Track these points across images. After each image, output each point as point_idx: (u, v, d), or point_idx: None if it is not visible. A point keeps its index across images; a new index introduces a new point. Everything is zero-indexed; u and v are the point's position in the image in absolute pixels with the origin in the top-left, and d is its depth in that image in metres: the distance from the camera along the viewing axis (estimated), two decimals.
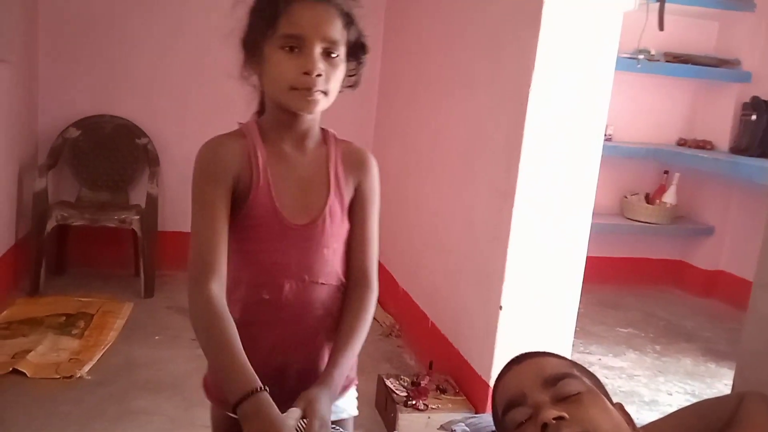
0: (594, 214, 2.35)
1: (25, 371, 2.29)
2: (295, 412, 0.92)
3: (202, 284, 0.99)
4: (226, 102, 3.44)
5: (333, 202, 1.09)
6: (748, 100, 3.62)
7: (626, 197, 3.89)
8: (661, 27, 3.35)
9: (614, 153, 3.45)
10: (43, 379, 2.28)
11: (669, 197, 3.81)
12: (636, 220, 3.79)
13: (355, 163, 1.13)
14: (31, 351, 2.42)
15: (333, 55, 1.02)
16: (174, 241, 3.44)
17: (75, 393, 2.23)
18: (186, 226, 3.64)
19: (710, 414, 0.99)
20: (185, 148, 3.45)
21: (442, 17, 2.80)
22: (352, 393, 1.22)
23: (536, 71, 2.11)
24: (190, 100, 3.44)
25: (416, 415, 2.07)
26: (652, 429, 0.96)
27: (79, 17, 3.27)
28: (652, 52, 3.63)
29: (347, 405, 1.20)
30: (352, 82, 1.11)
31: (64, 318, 2.76)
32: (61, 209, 3.00)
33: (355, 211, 1.13)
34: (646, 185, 3.95)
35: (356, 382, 1.22)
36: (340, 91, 1.07)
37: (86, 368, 2.37)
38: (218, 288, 1.00)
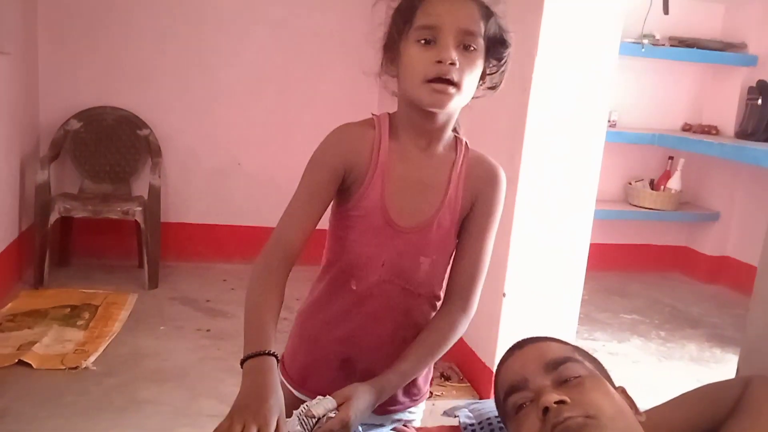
0: (598, 201, 2.34)
1: (30, 362, 2.30)
2: (327, 402, 0.91)
3: (268, 255, 0.99)
4: (228, 92, 3.46)
5: (444, 211, 1.06)
6: (754, 84, 3.59)
7: (630, 183, 3.87)
8: (665, 11, 3.32)
9: (618, 139, 3.42)
10: (49, 371, 2.29)
11: (674, 183, 3.79)
12: (640, 207, 3.77)
13: (481, 176, 1.08)
14: (36, 343, 2.43)
15: (470, 48, 0.97)
16: (177, 232, 3.45)
17: (81, 384, 2.23)
18: (188, 217, 3.66)
19: (715, 398, 0.98)
20: (187, 139, 3.48)
21: None
22: (421, 407, 1.20)
23: (539, 57, 2.10)
24: (192, 90, 3.43)
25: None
26: (655, 413, 0.96)
27: (79, 8, 3.26)
28: (657, 37, 3.60)
29: (414, 419, 1.19)
30: (492, 83, 1.05)
31: (68, 310, 2.77)
32: (64, 201, 3.00)
33: (470, 226, 1.08)
34: (651, 171, 3.93)
35: (427, 396, 1.20)
36: (476, 96, 1.03)
37: (91, 359, 2.38)
38: (282, 264, 0.98)
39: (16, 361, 2.31)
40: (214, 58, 3.42)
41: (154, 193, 3.15)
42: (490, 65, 1.03)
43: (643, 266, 3.97)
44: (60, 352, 2.42)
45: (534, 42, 2.09)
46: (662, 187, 3.81)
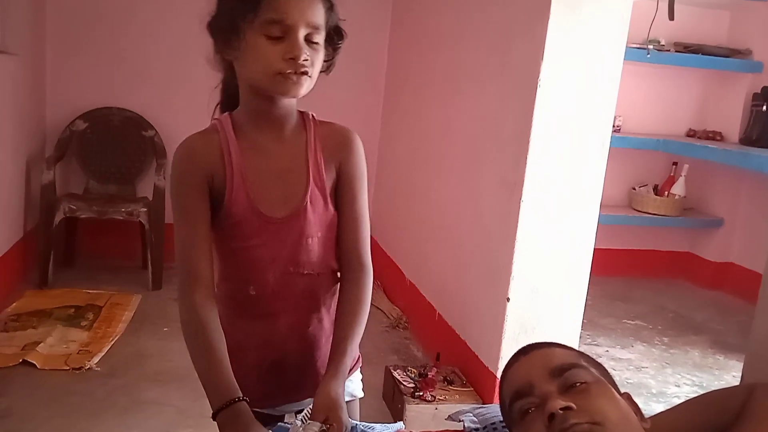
0: (602, 206, 2.33)
1: (34, 362, 2.31)
2: (313, 425, 0.91)
3: (187, 294, 1.00)
4: None
5: (313, 190, 1.07)
6: (759, 90, 3.59)
7: (634, 189, 3.87)
8: (671, 17, 3.31)
9: (623, 144, 3.43)
10: (53, 371, 2.30)
11: (678, 189, 3.79)
12: (644, 212, 3.77)
13: (337, 145, 1.10)
14: (40, 343, 2.44)
15: (315, 41, 1.01)
16: None
17: (85, 384, 2.24)
18: None
19: (720, 405, 0.98)
20: None
21: (451, 9, 2.78)
22: (357, 375, 1.22)
23: (545, 62, 2.10)
24: (197, 92, 3.39)
25: (423, 406, 2.07)
26: (660, 420, 0.96)
27: (87, 9, 3.27)
28: (662, 42, 3.60)
29: (354, 387, 1.20)
30: (325, 67, 1.08)
31: (72, 310, 2.77)
32: (69, 201, 3.01)
33: (341, 194, 1.11)
34: (655, 177, 3.93)
35: (360, 363, 1.22)
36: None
37: (95, 360, 2.39)
38: (204, 296, 1.00)
39: (20, 361, 2.31)
40: None
41: (159, 194, 3.16)
42: (327, 52, 1.06)
43: (646, 272, 3.97)
44: (64, 352, 2.43)
45: (540, 47, 2.09)
46: (666, 192, 3.81)
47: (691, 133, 3.87)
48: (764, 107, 3.50)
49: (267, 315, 1.09)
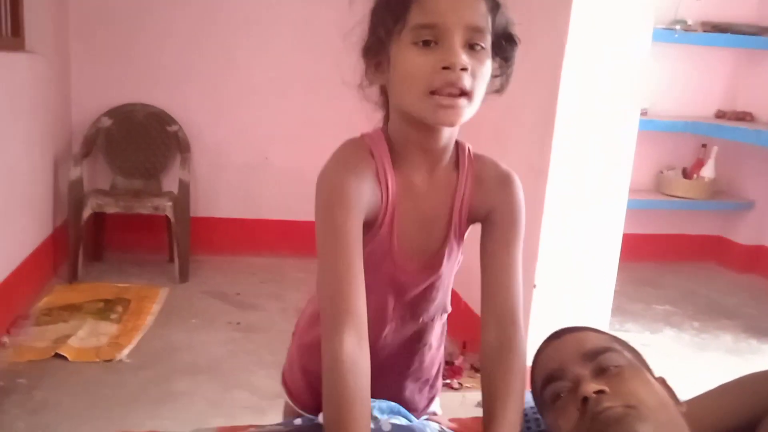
0: (630, 191, 2.30)
1: (66, 355, 2.35)
2: None
3: (336, 335, 0.81)
4: (255, 89, 3.48)
5: (451, 240, 0.95)
6: None
7: (663, 172, 3.80)
8: None
9: (650, 127, 3.36)
10: (85, 363, 2.33)
11: (707, 171, 3.71)
12: (673, 196, 3.70)
13: (490, 189, 0.94)
14: (71, 336, 2.48)
15: (478, 47, 0.82)
16: (207, 226, 3.49)
17: (116, 376, 2.27)
18: (218, 212, 3.68)
19: (758, 387, 0.96)
20: (216, 135, 3.51)
21: None
22: (437, 401, 1.17)
23: (569, 46, 2.06)
24: (220, 86, 3.46)
25: (451, 394, 2.06)
26: (696, 403, 0.94)
27: (109, 6, 3.30)
28: (689, 22, 3.52)
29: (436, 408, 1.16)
30: (497, 85, 0.90)
31: (102, 304, 2.81)
32: (97, 197, 3.05)
33: (490, 242, 0.94)
34: (684, 160, 3.85)
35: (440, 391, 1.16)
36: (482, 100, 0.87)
37: (125, 352, 2.42)
38: (356, 340, 0.81)
39: (53, 354, 2.35)
40: (241, 56, 3.44)
41: (184, 188, 3.19)
42: (494, 65, 0.87)
43: (676, 256, 3.90)
44: (95, 345, 2.46)
45: (564, 30, 2.06)
46: (695, 175, 3.74)
47: (720, 115, 3.79)
48: None
49: (373, 364, 0.91)
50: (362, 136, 0.93)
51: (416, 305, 0.99)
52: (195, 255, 3.29)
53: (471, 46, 0.82)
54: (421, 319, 1.01)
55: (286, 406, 1.18)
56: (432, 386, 1.14)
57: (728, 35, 3.53)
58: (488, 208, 0.94)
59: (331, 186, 0.87)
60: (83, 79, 3.33)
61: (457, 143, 0.94)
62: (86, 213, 3.00)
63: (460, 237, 0.96)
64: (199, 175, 3.49)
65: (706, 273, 3.80)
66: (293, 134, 3.55)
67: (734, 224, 3.90)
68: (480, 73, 0.82)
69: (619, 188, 2.25)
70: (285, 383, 1.17)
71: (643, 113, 3.46)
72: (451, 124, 0.84)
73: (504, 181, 0.95)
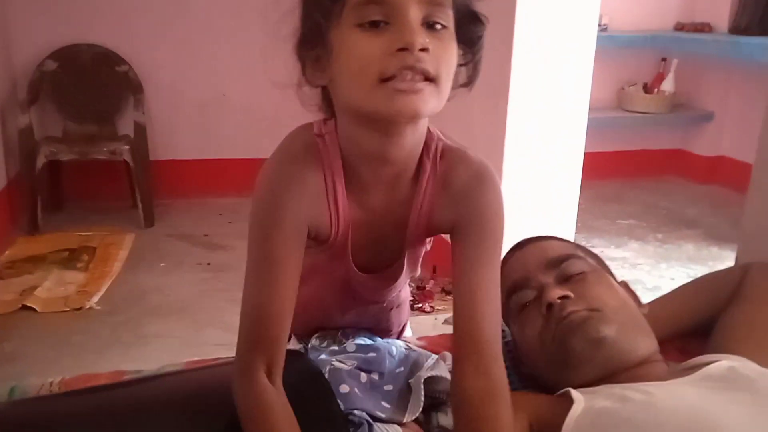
0: (591, 109, 2.29)
1: (34, 307, 2.31)
2: None
3: (251, 372, 0.74)
4: (207, 22, 3.34)
5: (409, 256, 0.86)
6: None
7: (624, 88, 3.81)
8: None
9: (610, 43, 3.33)
10: (54, 313, 2.30)
11: (667, 85, 3.73)
12: (635, 111, 3.72)
13: (456, 198, 0.79)
14: (38, 287, 2.43)
15: (439, 26, 0.67)
16: (168, 169, 3.41)
17: (87, 323, 2.25)
18: (177, 154, 3.58)
19: (715, 286, 0.99)
20: (169, 74, 3.38)
21: None
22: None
23: None
24: (171, 21, 3.31)
25: (423, 317, 2.10)
26: (657, 305, 0.96)
27: None
28: None
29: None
30: (464, 78, 0.74)
31: (67, 253, 2.76)
32: (49, 145, 2.94)
33: (462, 258, 0.78)
34: (644, 75, 3.85)
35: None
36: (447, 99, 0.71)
37: (95, 299, 2.39)
38: (273, 377, 0.75)
39: (20, 306, 2.31)
40: None
41: (140, 130, 3.09)
42: (459, 52, 0.72)
43: (638, 172, 3.96)
44: (63, 294, 2.43)
45: None
46: (656, 89, 3.75)
47: (680, 27, 3.77)
48: None
49: (344, 298, 0.93)
50: (315, 139, 0.78)
51: (371, 307, 0.96)
52: (159, 199, 3.23)
53: (430, 25, 0.66)
54: (385, 303, 0.97)
55: None
56: (403, 314, 1.14)
57: None
58: (455, 218, 0.79)
59: (269, 204, 0.76)
60: (23, 19, 3.15)
61: (429, 132, 0.79)
62: (40, 161, 2.90)
63: (420, 245, 0.86)
64: (155, 116, 3.38)
65: (668, 186, 3.87)
66: (251, 69, 3.43)
67: (694, 136, 3.95)
68: (444, 57, 0.67)
69: (580, 106, 2.25)
70: None
71: (603, 29, 3.42)
72: (415, 113, 0.67)
73: (475, 185, 0.79)
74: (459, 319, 0.77)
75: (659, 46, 3.59)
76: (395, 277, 0.87)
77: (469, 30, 0.72)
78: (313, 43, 0.71)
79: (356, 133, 0.73)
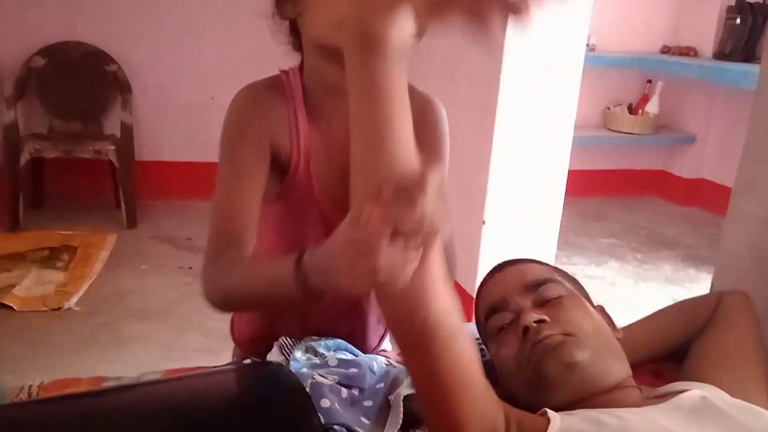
0: (576, 127, 2.33)
1: (12, 305, 2.29)
2: None
3: (218, 260, 0.80)
4: (198, 23, 3.34)
5: None
6: (733, 2, 3.54)
7: (609, 108, 3.86)
8: None
9: (597, 63, 3.38)
10: (32, 312, 2.28)
11: (652, 107, 3.79)
12: (619, 131, 3.77)
13: (421, 127, 0.79)
14: (16, 285, 2.41)
15: None
16: (153, 170, 3.39)
17: (65, 324, 2.24)
18: (163, 155, 3.57)
19: (690, 313, 1.01)
20: (158, 74, 3.37)
21: None
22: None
23: None
24: (160, 22, 3.30)
25: None
26: (632, 329, 0.98)
27: None
28: None
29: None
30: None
31: (47, 252, 2.74)
32: (34, 142, 2.92)
33: None
34: (630, 95, 3.91)
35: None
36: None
37: (74, 299, 2.38)
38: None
39: None
40: None
41: (126, 131, 3.08)
42: None
43: (621, 191, 4.02)
44: (41, 293, 2.41)
45: None
46: (640, 111, 3.81)
47: (666, 50, 3.84)
48: (738, 20, 3.46)
49: (310, 311, 0.97)
50: (280, 74, 0.88)
51: None
52: (142, 200, 3.21)
53: None
54: None
55: (234, 351, 1.18)
56: (381, 323, 1.15)
57: None
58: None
59: (235, 118, 0.85)
60: (11, 16, 3.13)
61: None
62: (24, 158, 2.88)
63: None
64: (142, 117, 3.36)
65: (649, 206, 3.93)
66: (240, 72, 3.39)
67: (676, 158, 4.02)
68: None
69: (566, 124, 2.28)
70: (232, 330, 1.16)
71: (591, 49, 3.47)
72: None
73: (423, 111, 0.87)
74: None
75: (645, 67, 3.65)
76: None
77: None
78: None
79: (319, 66, 0.80)
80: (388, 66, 0.59)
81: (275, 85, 0.86)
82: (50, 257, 2.69)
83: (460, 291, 2.25)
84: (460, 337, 0.69)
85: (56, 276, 2.55)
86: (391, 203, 0.58)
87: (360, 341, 1.08)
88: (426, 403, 0.72)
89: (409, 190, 0.58)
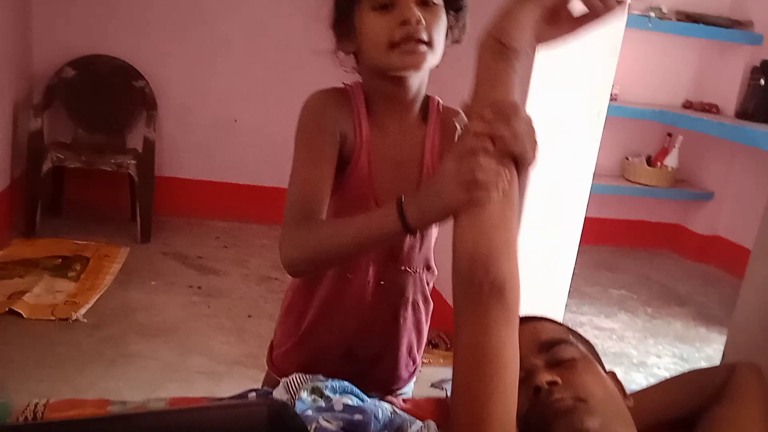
0: (595, 175, 2.33)
1: (21, 312, 2.31)
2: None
3: (297, 224, 0.93)
4: (227, 46, 3.40)
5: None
6: (758, 63, 3.56)
7: (628, 159, 3.86)
8: None
9: (619, 113, 3.39)
10: (39, 320, 2.30)
11: (671, 160, 3.78)
12: (636, 183, 3.77)
13: (454, 135, 1.00)
14: (27, 292, 2.43)
15: (431, 3, 0.94)
16: (171, 186, 3.43)
17: (71, 335, 2.24)
18: (183, 172, 3.60)
19: (701, 384, 1.00)
20: (184, 92, 3.43)
21: None
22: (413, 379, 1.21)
23: None
24: (190, 43, 3.37)
25: None
26: (642, 397, 0.97)
27: None
28: (664, 10, 3.54)
29: (410, 388, 1.20)
30: (455, 36, 1.01)
31: (60, 260, 2.76)
32: (57, 150, 2.97)
33: None
34: (649, 147, 3.91)
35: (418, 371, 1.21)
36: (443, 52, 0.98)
37: (82, 311, 2.39)
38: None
39: (6, 309, 2.31)
40: (214, 11, 3.35)
41: (149, 146, 3.12)
42: (450, 18, 0.99)
43: (635, 242, 3.99)
44: (51, 302, 2.42)
45: None
46: (659, 163, 3.81)
47: (688, 105, 3.85)
48: (762, 81, 3.47)
49: (359, 304, 1.06)
50: (345, 86, 1.04)
51: (399, 248, 1.04)
52: (158, 215, 3.24)
53: (424, 3, 0.93)
54: (403, 267, 1.05)
55: (268, 376, 1.18)
56: (414, 360, 1.17)
57: (700, 25, 3.57)
58: None
59: (311, 111, 1.00)
60: (46, 25, 3.21)
61: (427, 97, 1.04)
62: (46, 166, 2.92)
63: None
64: (165, 133, 3.41)
65: (663, 260, 3.90)
66: (264, 97, 3.48)
67: (692, 213, 4.00)
68: (436, 25, 0.94)
69: (584, 173, 2.28)
70: (273, 364, 1.16)
71: (614, 99, 3.49)
72: (416, 68, 0.94)
73: (455, 119, 1.01)
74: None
75: (666, 121, 3.66)
76: None
77: (456, 2, 0.99)
78: (343, 24, 0.98)
79: (376, 82, 1.00)
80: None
81: (342, 92, 1.03)
82: (63, 266, 2.71)
83: None
84: (515, 320, 0.74)
85: (67, 285, 2.56)
86: (492, 120, 0.77)
87: (391, 370, 1.11)
88: (460, 386, 0.73)
89: (506, 111, 0.78)
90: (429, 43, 0.93)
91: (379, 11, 0.93)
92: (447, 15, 0.97)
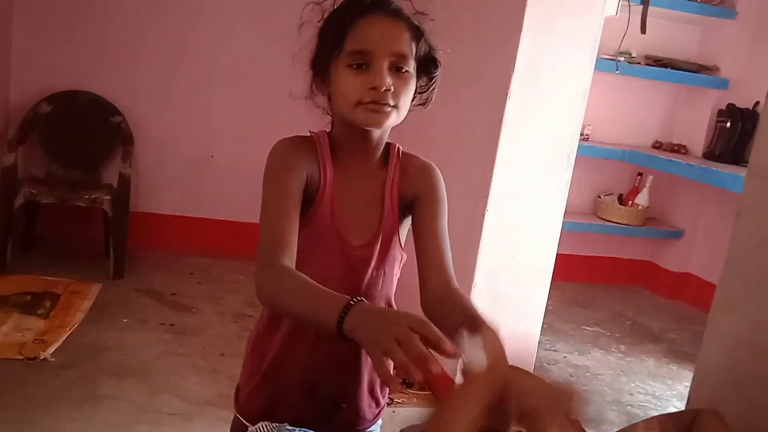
0: (567, 213, 2.38)
1: None
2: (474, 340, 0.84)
3: (271, 261, 0.95)
4: (205, 83, 3.43)
5: (385, 224, 1.08)
6: (724, 107, 3.67)
7: (600, 197, 3.94)
8: (643, 30, 3.37)
9: (590, 153, 3.48)
10: (6, 360, 2.25)
11: (641, 199, 3.86)
12: (608, 221, 3.84)
13: (414, 177, 1.10)
14: None
15: (402, 70, 0.99)
16: (146, 222, 3.41)
17: (39, 375, 2.20)
18: (158, 208, 3.58)
19: (664, 430, 1.01)
20: (162, 129, 3.43)
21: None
22: (379, 420, 1.21)
23: (516, 73, 2.12)
24: (168, 78, 3.39)
25: None
26: None
27: None
28: (633, 55, 3.65)
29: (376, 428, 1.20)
30: (423, 99, 1.08)
31: (29, 297, 2.72)
32: (30, 186, 2.94)
33: (420, 218, 1.08)
34: (620, 186, 4.00)
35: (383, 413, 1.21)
36: (410, 110, 1.04)
37: (51, 350, 2.34)
38: (289, 263, 0.96)
39: None
40: (194, 48, 3.39)
41: (124, 182, 3.11)
42: (421, 83, 1.05)
43: (608, 278, 4.05)
44: (19, 341, 2.38)
45: (512, 58, 2.11)
46: (630, 202, 3.88)
47: (657, 145, 3.95)
48: (728, 124, 3.58)
49: (317, 337, 1.06)
50: (310, 133, 1.10)
51: (359, 284, 1.07)
52: (132, 251, 3.21)
53: (397, 69, 0.99)
54: (378, 286, 1.09)
55: (235, 425, 1.17)
56: (377, 401, 1.17)
57: (668, 70, 3.69)
58: (414, 193, 1.09)
59: (278, 153, 1.05)
60: (24, 60, 3.21)
61: (388, 144, 1.11)
62: (18, 201, 2.89)
63: (394, 225, 1.09)
64: (141, 168, 3.41)
65: (635, 296, 3.95)
66: (241, 133, 3.51)
67: (664, 251, 4.07)
68: (403, 92, 0.99)
69: (556, 211, 2.33)
70: (239, 405, 1.16)
71: (585, 139, 3.57)
72: (379, 126, 1.01)
73: (425, 171, 1.11)
74: (423, 254, 1.06)
75: (637, 161, 3.75)
76: (375, 243, 1.07)
77: (428, 69, 1.06)
78: (321, 69, 1.04)
79: (343, 128, 1.06)
80: None
81: (307, 139, 1.09)
82: (32, 303, 2.67)
83: (442, 375, 2.24)
84: None
85: (36, 323, 2.52)
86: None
87: (354, 410, 1.12)
88: None
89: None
90: (395, 107, 0.99)
91: (354, 69, 0.98)
92: (418, 80, 1.03)
